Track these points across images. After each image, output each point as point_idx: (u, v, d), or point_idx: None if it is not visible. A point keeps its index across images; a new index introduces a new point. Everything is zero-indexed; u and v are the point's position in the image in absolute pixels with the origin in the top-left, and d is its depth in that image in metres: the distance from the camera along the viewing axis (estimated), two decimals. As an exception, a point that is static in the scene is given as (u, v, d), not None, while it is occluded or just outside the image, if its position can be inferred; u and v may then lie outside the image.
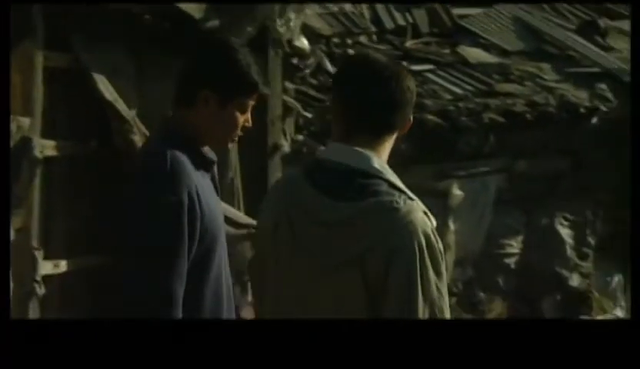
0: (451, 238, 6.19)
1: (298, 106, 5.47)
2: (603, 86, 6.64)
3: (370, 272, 2.12)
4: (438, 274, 2.15)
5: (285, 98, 5.32)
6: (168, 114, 2.60)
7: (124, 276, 2.48)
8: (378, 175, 2.17)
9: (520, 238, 6.59)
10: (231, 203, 4.68)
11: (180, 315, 2.41)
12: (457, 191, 6.24)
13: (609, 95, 6.57)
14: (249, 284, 2.75)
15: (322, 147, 2.42)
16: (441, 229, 6.26)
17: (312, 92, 5.79)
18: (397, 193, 2.16)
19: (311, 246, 2.19)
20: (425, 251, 2.13)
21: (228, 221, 3.56)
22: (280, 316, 2.27)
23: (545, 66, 6.89)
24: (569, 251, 6.63)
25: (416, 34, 6.83)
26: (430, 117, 6.11)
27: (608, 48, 7.03)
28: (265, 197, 2.40)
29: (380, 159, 2.20)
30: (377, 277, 2.12)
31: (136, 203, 2.45)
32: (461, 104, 6.27)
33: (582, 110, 6.45)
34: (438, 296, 2.15)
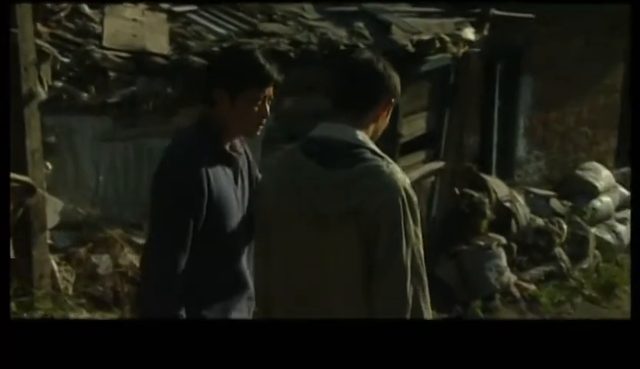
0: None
1: (54, 51, 5.07)
2: (360, 24, 6.70)
3: (363, 224, 2.48)
4: (415, 221, 2.53)
5: (39, 42, 4.90)
6: (202, 114, 2.78)
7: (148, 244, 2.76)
8: (362, 145, 2.55)
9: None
10: None
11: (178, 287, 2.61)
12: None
13: (366, 33, 6.65)
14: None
15: (316, 127, 2.69)
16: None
17: (69, 36, 5.39)
18: (379, 158, 2.55)
19: (311, 206, 2.54)
20: (407, 204, 2.51)
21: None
22: (284, 269, 2.62)
23: (307, 6, 6.85)
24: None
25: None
26: (195, 58, 5.89)
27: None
28: (266, 171, 2.76)
29: (362, 132, 2.58)
30: (368, 227, 2.48)
31: (158, 191, 2.68)
32: (225, 45, 6.09)
33: (342, 47, 6.48)
34: (416, 240, 2.53)
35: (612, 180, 9.22)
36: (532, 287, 7.58)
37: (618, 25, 9.29)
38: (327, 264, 2.55)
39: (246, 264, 2.82)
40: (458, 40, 7.21)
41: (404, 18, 7.03)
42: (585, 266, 8.22)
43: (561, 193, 8.83)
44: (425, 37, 6.91)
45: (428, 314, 2.57)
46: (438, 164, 7.69)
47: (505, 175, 8.73)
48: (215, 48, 5.99)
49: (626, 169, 9.88)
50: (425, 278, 2.56)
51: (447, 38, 7.11)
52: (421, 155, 7.60)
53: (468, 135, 8.30)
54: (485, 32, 7.60)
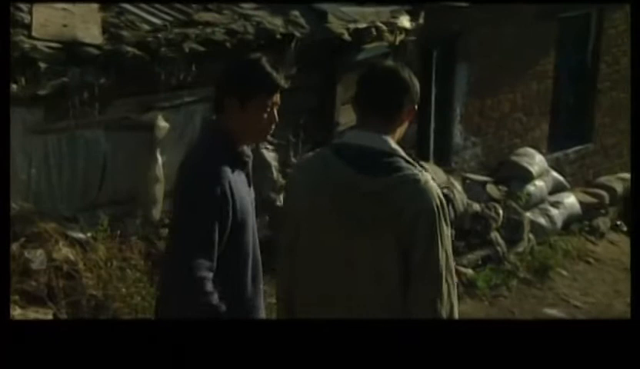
0: (160, 171, 5.93)
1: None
2: (296, 13, 6.62)
3: (401, 230, 2.62)
4: (447, 225, 2.70)
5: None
6: (210, 120, 2.93)
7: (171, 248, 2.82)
8: (395, 153, 2.69)
9: (228, 165, 6.48)
10: None
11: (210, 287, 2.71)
12: (162, 123, 5.97)
13: (302, 21, 6.57)
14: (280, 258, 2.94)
15: (344, 134, 2.87)
16: (149, 162, 6.02)
17: (-2, 26, 5.19)
18: (412, 166, 2.69)
19: (349, 211, 2.65)
20: (440, 209, 2.67)
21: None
22: (314, 269, 2.72)
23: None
24: (275, 174, 6.64)
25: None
26: (129, 48, 5.74)
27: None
28: (293, 173, 2.89)
29: (392, 140, 2.72)
30: (406, 233, 2.62)
31: (182, 197, 2.77)
32: (160, 35, 5.95)
33: (278, 36, 6.39)
34: (448, 242, 2.70)
35: (545, 164, 9.32)
36: (470, 271, 7.62)
37: (549, 13, 9.38)
38: (362, 266, 2.67)
39: (258, 265, 2.96)
40: (394, 28, 7.18)
41: (340, 7, 6.96)
42: (520, 249, 8.29)
43: (497, 178, 8.89)
44: (361, 25, 6.86)
45: (457, 308, 2.74)
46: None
47: (443, 162, 8.75)
48: (150, 38, 5.86)
49: (559, 153, 10.00)
50: (454, 276, 2.73)
51: (383, 27, 7.08)
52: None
53: (406, 123, 8.28)
54: (421, 20, 7.59)
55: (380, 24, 7.02)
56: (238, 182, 2.81)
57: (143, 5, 6.19)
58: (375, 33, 6.98)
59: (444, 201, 2.71)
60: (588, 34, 10.37)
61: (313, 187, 2.72)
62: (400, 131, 2.79)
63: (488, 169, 9.10)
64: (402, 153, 2.72)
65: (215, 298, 2.73)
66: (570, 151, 10.27)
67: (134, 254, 5.56)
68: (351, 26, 6.78)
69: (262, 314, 2.98)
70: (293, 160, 6.78)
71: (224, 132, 2.80)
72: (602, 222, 9.64)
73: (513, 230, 8.32)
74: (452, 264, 2.72)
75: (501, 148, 9.40)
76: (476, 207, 8.11)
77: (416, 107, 2.80)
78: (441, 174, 8.34)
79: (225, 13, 6.42)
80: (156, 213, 5.87)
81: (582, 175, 10.28)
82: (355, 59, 7.08)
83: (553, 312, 7.62)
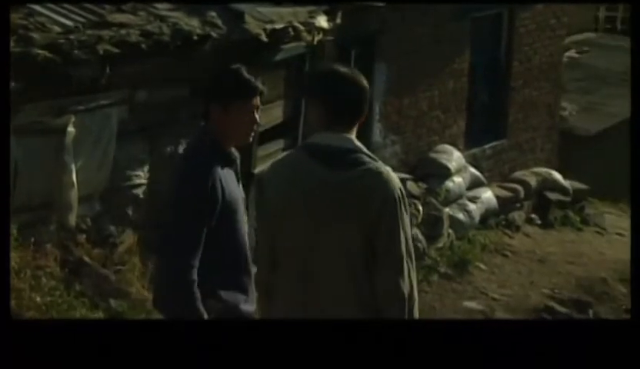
0: (74, 176, 5.70)
1: None
2: (213, 14, 6.47)
3: (366, 217, 2.93)
4: (406, 212, 2.99)
5: None
6: (198, 126, 3.18)
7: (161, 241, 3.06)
8: (360, 150, 2.99)
9: (146, 168, 6.29)
10: None
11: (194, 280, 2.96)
12: (70, 128, 5.72)
13: (219, 22, 6.42)
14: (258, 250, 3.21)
15: (312, 136, 3.09)
16: (63, 167, 5.78)
17: None
18: (374, 161, 2.99)
19: (320, 202, 2.96)
20: (401, 198, 2.96)
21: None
22: (290, 255, 3.01)
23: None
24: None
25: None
26: (39, 51, 5.50)
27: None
28: (268, 173, 3.13)
29: (355, 139, 3.02)
30: (372, 219, 2.92)
31: (175, 194, 3.05)
32: (72, 37, 5.72)
33: (195, 37, 6.23)
34: (408, 228, 3.00)
35: (463, 161, 9.37)
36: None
37: (462, 13, 9.44)
38: (331, 250, 2.96)
39: (248, 252, 3.20)
40: (311, 28, 7.09)
41: (256, 7, 6.83)
42: (440, 245, 8.32)
43: (417, 175, 8.90)
44: (279, 26, 6.75)
45: (416, 287, 3.06)
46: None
47: (363, 160, 8.69)
48: (61, 40, 5.62)
49: (476, 150, 10.09)
50: (413, 258, 3.05)
51: (301, 27, 6.98)
52: (279, 144, 7.45)
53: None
54: (338, 20, 7.52)
55: (297, 25, 6.92)
56: (228, 179, 3.09)
57: (53, 6, 5.94)
58: (292, 33, 6.88)
59: (404, 191, 3.01)
60: (500, 33, 10.49)
61: (286, 183, 3.00)
62: (356, 129, 3.08)
63: (407, 167, 9.11)
64: (365, 150, 3.02)
65: (201, 302, 2.97)
66: (486, 147, 10.37)
67: (49, 262, 5.34)
68: (269, 27, 6.67)
69: (254, 305, 3.20)
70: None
71: (211, 135, 3.08)
72: (518, 216, 9.76)
73: (433, 226, 8.33)
74: (412, 247, 3.02)
75: (419, 146, 9.42)
76: (396, 204, 8.08)
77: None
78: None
79: (139, 14, 6.22)
80: (72, 219, 5.65)
81: (498, 170, 10.39)
82: (273, 59, 6.96)
83: (472, 305, 7.66)
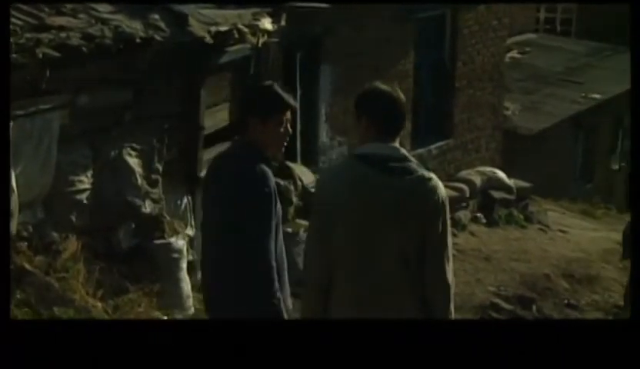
0: (13, 182, 5.51)
1: None
2: (156, 16, 6.32)
3: (422, 219, 3.25)
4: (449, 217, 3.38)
5: None
6: (235, 140, 3.53)
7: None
8: (408, 158, 3.32)
9: (89, 173, 6.12)
10: None
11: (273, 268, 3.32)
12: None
13: (162, 25, 6.28)
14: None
15: (362, 146, 3.34)
16: None
17: None
18: (422, 168, 3.34)
19: (380, 205, 3.24)
20: (447, 201, 3.34)
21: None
22: (349, 258, 3.27)
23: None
24: (139, 180, 6.32)
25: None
26: (-24, 55, 5.30)
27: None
28: (323, 180, 3.56)
29: (402, 148, 3.35)
30: (426, 221, 3.26)
31: (237, 200, 3.34)
32: (10, 40, 5.52)
33: (138, 40, 6.08)
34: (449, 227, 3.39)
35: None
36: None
37: (404, 14, 9.44)
38: (388, 249, 3.24)
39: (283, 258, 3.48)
40: (256, 30, 6.98)
41: (200, 10, 6.71)
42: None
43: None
44: (223, 28, 6.63)
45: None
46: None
47: (310, 162, 8.64)
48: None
49: (422, 150, 10.10)
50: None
51: (245, 29, 6.87)
52: (226, 146, 7.33)
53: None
54: (283, 22, 7.43)
55: (242, 27, 6.81)
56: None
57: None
58: (237, 35, 6.77)
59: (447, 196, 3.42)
60: (443, 34, 10.52)
61: (346, 188, 3.27)
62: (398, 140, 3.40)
63: (354, 167, 9.06)
64: (411, 157, 3.35)
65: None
66: (432, 147, 10.39)
67: (-11, 271, 5.14)
68: (213, 29, 6.54)
69: (289, 310, 3.44)
70: (157, 165, 6.49)
71: (252, 145, 3.38)
72: (463, 215, 9.79)
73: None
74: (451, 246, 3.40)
75: (366, 147, 9.38)
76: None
77: None
78: (309, 175, 8.22)
79: (80, 17, 6.04)
80: (12, 226, 5.45)
81: (444, 170, 10.42)
82: (218, 62, 6.85)
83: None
